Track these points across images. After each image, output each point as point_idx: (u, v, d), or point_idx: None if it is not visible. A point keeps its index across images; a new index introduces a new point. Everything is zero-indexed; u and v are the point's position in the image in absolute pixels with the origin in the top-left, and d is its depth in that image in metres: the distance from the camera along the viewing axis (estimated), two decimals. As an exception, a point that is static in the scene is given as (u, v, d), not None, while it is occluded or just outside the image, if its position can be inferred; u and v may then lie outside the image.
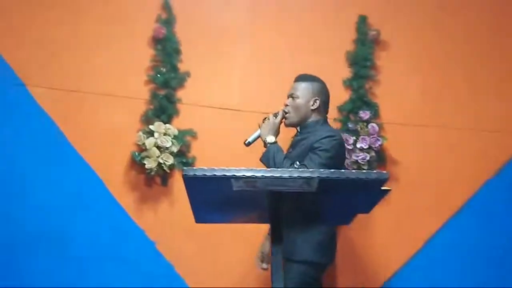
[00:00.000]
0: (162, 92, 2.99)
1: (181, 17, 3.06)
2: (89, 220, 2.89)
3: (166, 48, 3.00)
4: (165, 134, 2.89)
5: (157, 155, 2.86)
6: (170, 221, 2.95)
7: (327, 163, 2.25)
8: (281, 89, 3.06)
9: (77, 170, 2.92)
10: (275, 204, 1.50)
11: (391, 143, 3.02)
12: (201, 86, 3.05)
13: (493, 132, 3.08)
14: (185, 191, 2.81)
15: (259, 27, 3.15)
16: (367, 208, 1.61)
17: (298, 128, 2.50)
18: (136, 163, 2.92)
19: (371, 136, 2.92)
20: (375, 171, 1.31)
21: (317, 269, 2.37)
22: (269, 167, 2.29)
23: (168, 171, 2.89)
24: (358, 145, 2.93)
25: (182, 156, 2.94)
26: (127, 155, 2.93)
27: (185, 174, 1.32)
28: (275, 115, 2.46)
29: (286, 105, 2.48)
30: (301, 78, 2.52)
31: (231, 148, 2.83)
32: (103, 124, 2.95)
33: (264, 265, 2.58)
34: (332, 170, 1.30)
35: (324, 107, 2.49)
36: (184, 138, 2.94)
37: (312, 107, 2.45)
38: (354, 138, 2.94)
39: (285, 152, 2.41)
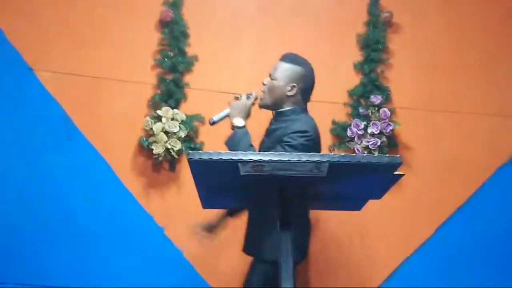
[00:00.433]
0: (170, 77, 2.94)
1: (189, 0, 3.01)
2: (97, 206, 2.87)
3: (173, 31, 2.95)
4: (172, 119, 2.85)
5: (165, 141, 2.82)
6: (178, 207, 2.92)
7: None
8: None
9: (85, 156, 2.89)
10: (283, 189, 1.46)
11: (403, 128, 2.96)
12: (209, 70, 3.01)
13: (506, 117, 3.01)
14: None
15: (268, 10, 3.09)
16: (379, 193, 1.56)
17: (274, 113, 2.31)
18: (144, 149, 2.89)
19: (383, 121, 2.86)
20: (387, 155, 1.25)
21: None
22: None
23: (176, 156, 2.85)
24: (369, 130, 2.88)
25: (190, 141, 2.91)
26: (135, 141, 2.90)
27: (190, 158, 1.28)
28: (248, 96, 2.26)
29: (264, 84, 2.29)
30: (285, 58, 2.29)
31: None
32: (110, 109, 2.92)
33: (204, 233, 2.47)
34: (343, 154, 1.25)
35: (303, 95, 2.26)
36: (192, 123, 2.90)
37: (288, 93, 2.23)
38: (365, 123, 2.89)
39: (260, 139, 2.29)
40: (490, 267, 2.93)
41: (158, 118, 2.84)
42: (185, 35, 2.98)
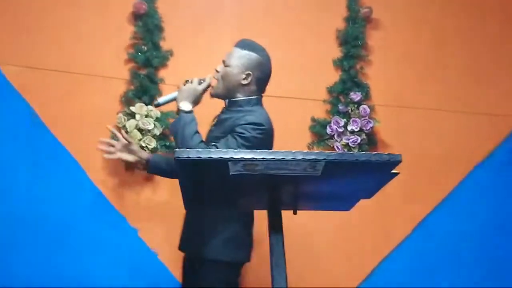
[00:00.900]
0: (143, 72, 2.82)
1: (164, -8, 2.90)
2: (67, 207, 2.72)
3: (147, 24, 2.83)
4: (147, 116, 2.74)
5: (139, 138, 2.71)
6: (152, 207, 2.81)
7: None
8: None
9: (53, 154, 2.74)
10: (274, 189, 1.38)
11: (382, 126, 2.93)
12: (185, 65, 2.89)
13: (485, 115, 3.02)
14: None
15: (246, 4, 3.01)
16: (370, 193, 1.50)
17: (226, 103, 2.17)
18: (117, 147, 2.76)
19: (363, 119, 2.82)
20: (386, 153, 1.19)
21: (232, 268, 2.11)
22: (176, 139, 2.03)
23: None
24: (349, 128, 2.83)
25: (165, 139, 2.79)
26: (107, 138, 2.77)
27: (178, 157, 1.19)
28: (201, 81, 2.12)
29: (217, 71, 2.15)
30: (240, 44, 2.15)
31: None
32: (80, 105, 2.78)
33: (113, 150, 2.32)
34: (341, 152, 1.18)
35: (258, 84, 2.13)
36: (167, 120, 2.78)
37: (243, 82, 2.09)
38: (345, 120, 2.84)
39: (207, 128, 2.18)
40: (468, 265, 2.93)
41: (132, 115, 2.72)
42: (159, 28, 2.86)
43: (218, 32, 2.95)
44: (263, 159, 1.19)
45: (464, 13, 3.09)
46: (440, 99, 3.03)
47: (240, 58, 2.11)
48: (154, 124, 2.73)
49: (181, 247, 2.26)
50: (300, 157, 1.18)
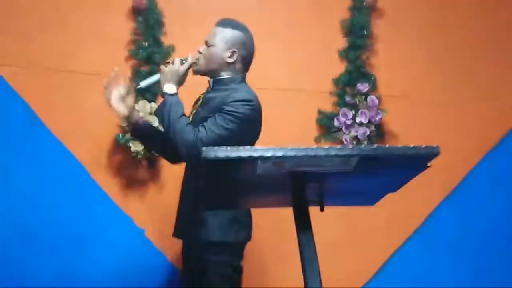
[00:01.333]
0: (145, 68, 2.75)
1: (164, -14, 2.82)
2: (70, 210, 2.66)
3: (148, 20, 2.75)
4: (150, 113, 2.67)
5: (144, 137, 2.64)
6: (159, 207, 2.75)
7: (233, 130, 1.92)
8: (271, 63, 2.90)
9: (54, 156, 2.67)
10: (301, 186, 1.33)
11: (389, 117, 2.89)
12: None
13: (493, 103, 2.98)
14: (174, 173, 2.71)
15: (247, -3, 2.95)
16: (397, 187, 1.46)
17: (211, 83, 2.13)
18: (121, 146, 2.69)
19: (371, 110, 2.78)
20: (423, 146, 1.15)
21: (235, 249, 2.06)
22: (163, 124, 2.00)
23: (156, 154, 2.68)
24: (357, 120, 2.79)
25: (170, 137, 2.73)
26: (110, 138, 2.70)
27: (205, 156, 1.13)
28: (183, 60, 2.07)
29: (200, 52, 2.11)
30: (222, 23, 2.12)
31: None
32: (81, 104, 2.70)
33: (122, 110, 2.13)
34: (375, 146, 1.14)
35: (244, 63, 2.11)
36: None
37: (229, 60, 2.06)
38: (353, 112, 2.79)
39: (192, 110, 2.13)
40: (478, 260, 2.90)
41: (135, 113, 2.66)
42: (160, 23, 2.79)
43: (220, 25, 2.88)
44: (295, 156, 1.14)
45: (473, 3, 3.04)
46: (447, 88, 2.99)
47: (224, 36, 2.08)
48: (158, 121, 2.66)
49: (178, 234, 2.18)
50: (333, 153, 1.13)
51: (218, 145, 1.22)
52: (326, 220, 2.68)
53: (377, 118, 2.78)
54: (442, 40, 3.01)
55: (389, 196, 2.64)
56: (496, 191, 2.96)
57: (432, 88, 2.98)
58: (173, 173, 2.75)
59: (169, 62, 2.07)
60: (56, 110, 2.69)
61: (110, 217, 2.71)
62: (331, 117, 2.85)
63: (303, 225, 1.31)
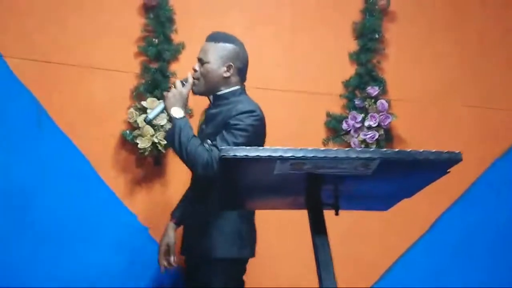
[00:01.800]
0: (155, 65, 2.73)
1: (175, -18, 2.80)
2: (75, 205, 2.63)
3: (158, 16, 2.73)
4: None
5: (151, 134, 2.62)
6: (164, 205, 2.72)
7: (243, 143, 1.92)
8: (281, 63, 2.89)
9: (60, 151, 2.64)
10: (316, 188, 1.31)
11: (399, 121, 2.87)
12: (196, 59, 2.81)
13: (504, 110, 2.97)
14: (180, 171, 2.69)
15: (259, -4, 2.93)
16: (413, 192, 1.44)
17: (211, 99, 2.14)
18: (127, 143, 2.67)
19: (380, 114, 2.76)
20: (446, 151, 1.13)
21: (237, 265, 2.08)
22: (173, 147, 2.01)
23: (163, 151, 2.66)
24: (366, 123, 2.77)
25: (178, 135, 2.71)
26: (117, 134, 2.68)
27: (223, 155, 1.11)
28: (183, 82, 2.07)
29: (195, 70, 2.11)
30: (213, 37, 2.12)
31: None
32: (90, 100, 2.68)
33: (174, 258, 2.25)
34: (397, 150, 1.11)
35: (240, 74, 2.11)
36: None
37: (225, 74, 2.07)
38: (363, 115, 2.77)
39: (196, 128, 2.14)
40: (485, 264, 2.88)
41: (143, 110, 2.63)
42: (171, 20, 2.76)
43: (230, 24, 2.85)
44: (314, 157, 1.12)
45: (487, 4, 3.02)
46: (457, 93, 2.97)
47: (218, 52, 2.09)
48: (166, 119, 2.64)
49: (184, 251, 2.22)
50: (354, 155, 1.11)
51: None
52: (333, 221, 2.69)
53: (387, 122, 2.76)
54: (454, 45, 2.99)
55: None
56: (504, 197, 2.94)
57: (442, 93, 2.96)
58: (178, 171, 2.73)
59: (171, 86, 2.10)
60: (64, 105, 2.66)
61: (114, 214, 2.69)
62: (339, 119, 2.83)
63: (318, 228, 1.29)
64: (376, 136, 2.74)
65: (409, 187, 1.37)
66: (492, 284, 2.82)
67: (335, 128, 2.85)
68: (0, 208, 2.54)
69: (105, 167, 2.69)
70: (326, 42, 2.91)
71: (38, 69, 2.64)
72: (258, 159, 1.11)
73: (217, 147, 1.92)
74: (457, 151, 1.16)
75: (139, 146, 2.61)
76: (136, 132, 2.63)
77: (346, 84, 2.87)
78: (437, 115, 2.95)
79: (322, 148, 1.12)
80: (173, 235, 2.29)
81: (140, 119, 2.62)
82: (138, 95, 2.70)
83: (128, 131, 2.65)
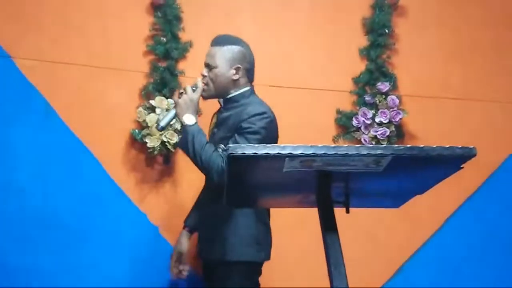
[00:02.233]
0: (163, 64, 2.72)
1: (183, -20, 2.79)
2: (85, 204, 2.63)
3: (166, 15, 2.72)
4: (167, 109, 2.63)
5: (160, 133, 2.61)
6: (174, 204, 2.72)
7: None
8: (291, 61, 2.86)
9: (71, 151, 2.64)
10: (326, 186, 1.29)
11: (409, 117, 2.83)
12: (204, 57, 2.77)
13: (516, 104, 2.93)
14: (189, 170, 2.67)
15: (267, -7, 2.90)
16: (425, 188, 1.41)
17: (221, 102, 2.15)
18: (136, 142, 2.67)
19: (391, 110, 2.72)
20: (459, 146, 1.10)
21: (253, 268, 2.09)
22: (187, 154, 2.02)
23: (172, 150, 2.65)
24: (377, 119, 2.73)
25: (187, 134, 2.70)
26: (126, 134, 2.67)
27: (231, 153, 1.09)
28: (193, 87, 2.07)
29: (204, 76, 2.12)
30: (218, 41, 2.12)
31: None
32: (98, 99, 2.67)
33: (186, 268, 2.29)
34: (409, 145, 1.09)
35: (248, 75, 2.12)
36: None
37: (234, 77, 2.08)
38: (373, 112, 2.74)
39: (208, 132, 2.14)
40: (498, 264, 2.84)
41: (152, 109, 2.62)
42: (178, 19, 2.75)
43: (238, 21, 2.85)
44: (324, 154, 1.10)
45: (498, 1, 2.98)
46: (469, 88, 2.92)
47: (224, 55, 2.09)
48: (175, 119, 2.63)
49: (200, 255, 2.23)
50: (364, 152, 1.09)
51: None
52: (343, 219, 2.67)
53: (397, 119, 2.72)
54: (465, 40, 2.94)
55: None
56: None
57: (454, 88, 2.92)
58: (188, 170, 2.71)
59: (181, 92, 2.08)
60: (73, 104, 2.66)
61: (124, 213, 2.68)
62: (350, 116, 2.80)
63: (329, 226, 1.27)
64: (387, 133, 2.71)
65: (421, 184, 1.34)
66: (508, 284, 2.77)
67: (345, 125, 2.82)
68: (7, 207, 2.54)
69: (114, 166, 2.68)
70: (336, 38, 2.88)
71: (46, 69, 2.63)
72: (267, 156, 1.09)
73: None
74: (471, 146, 1.13)
75: (148, 145, 2.61)
76: (145, 131, 2.62)
77: (356, 80, 2.84)
78: (449, 110, 2.91)
79: (333, 145, 1.10)
80: (187, 243, 2.32)
81: (149, 118, 2.62)
82: (147, 94, 2.69)
83: (137, 130, 2.65)
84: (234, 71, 2.08)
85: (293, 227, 2.64)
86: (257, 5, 2.89)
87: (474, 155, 1.12)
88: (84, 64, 2.67)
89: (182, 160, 2.73)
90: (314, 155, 1.10)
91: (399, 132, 2.81)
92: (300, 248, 2.70)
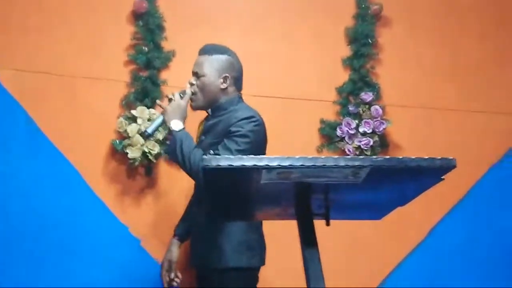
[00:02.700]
0: (145, 74, 2.69)
1: (165, -11, 2.77)
2: (64, 217, 2.57)
3: (148, 24, 2.69)
4: (149, 119, 2.59)
5: (141, 144, 2.57)
6: (156, 216, 2.68)
7: (246, 149, 1.92)
8: (273, 71, 2.85)
9: (50, 162, 2.59)
10: (305, 198, 1.26)
11: (393, 127, 2.82)
12: (187, 66, 2.72)
13: (499, 114, 2.92)
14: (172, 181, 2.64)
15: (251, 1, 2.88)
16: (407, 200, 1.39)
17: (209, 111, 2.15)
18: (117, 153, 2.62)
19: (375, 120, 2.71)
20: (439, 158, 1.08)
21: (249, 274, 2.07)
22: (176, 160, 1.99)
23: (154, 161, 2.61)
24: (360, 130, 2.72)
25: (169, 144, 2.66)
26: (107, 144, 2.63)
27: (206, 165, 1.06)
28: (181, 94, 2.07)
29: (192, 84, 2.12)
30: (206, 50, 2.13)
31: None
32: (78, 109, 2.63)
33: (177, 276, 2.25)
34: (388, 157, 1.07)
35: (236, 84, 2.13)
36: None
37: (222, 86, 2.08)
38: (357, 122, 2.73)
39: (195, 139, 2.12)
40: (483, 269, 2.83)
41: (133, 119, 2.58)
42: (161, 28, 2.72)
43: (221, 31, 2.82)
44: (302, 166, 1.07)
45: (480, 11, 2.99)
46: (452, 98, 2.93)
47: (212, 64, 2.10)
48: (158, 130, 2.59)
49: (193, 263, 2.19)
50: (342, 163, 1.07)
51: None
52: (328, 231, 2.65)
53: (381, 128, 2.72)
54: (449, 50, 2.95)
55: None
56: (501, 204, 2.89)
57: (437, 97, 2.92)
58: (170, 181, 2.68)
59: (170, 98, 2.08)
60: (53, 115, 2.62)
61: (105, 226, 2.63)
62: (334, 126, 2.79)
63: (308, 240, 1.24)
64: (371, 143, 2.70)
65: (403, 195, 1.32)
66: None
67: (329, 135, 2.80)
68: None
69: (95, 177, 2.64)
70: (319, 48, 2.88)
71: (26, 79, 2.59)
72: (242, 168, 1.06)
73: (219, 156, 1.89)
74: (450, 158, 1.11)
75: (129, 156, 2.56)
76: (126, 141, 2.58)
77: (340, 90, 2.83)
78: (432, 120, 2.91)
79: (310, 157, 1.07)
80: (176, 251, 2.29)
81: (130, 128, 2.58)
82: (128, 104, 2.65)
83: (117, 141, 2.61)
84: (222, 80, 2.09)
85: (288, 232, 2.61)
86: (241, 15, 2.87)
87: (454, 166, 1.10)
88: (63, 74, 2.63)
89: (164, 171, 2.70)
90: (291, 167, 1.07)
91: (383, 142, 2.80)
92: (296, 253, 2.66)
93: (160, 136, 2.60)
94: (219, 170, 1.07)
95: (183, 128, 2.02)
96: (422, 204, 2.76)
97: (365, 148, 2.70)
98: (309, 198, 1.26)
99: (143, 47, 2.69)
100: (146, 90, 2.67)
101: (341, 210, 1.42)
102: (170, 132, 2.03)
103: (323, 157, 1.03)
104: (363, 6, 2.85)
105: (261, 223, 2.11)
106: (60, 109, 2.62)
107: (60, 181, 2.60)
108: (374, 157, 1.06)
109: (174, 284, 2.29)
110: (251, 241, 2.04)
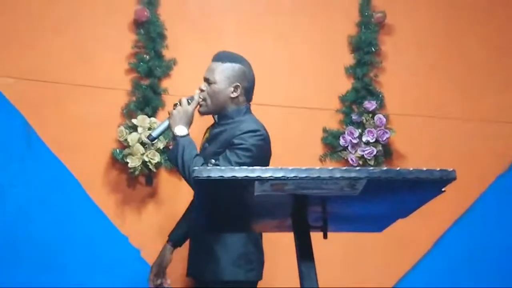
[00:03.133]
0: (146, 82, 2.67)
1: (166, -2, 2.75)
2: (64, 227, 2.56)
3: (149, 32, 2.68)
4: (149, 128, 2.57)
5: (142, 153, 2.54)
6: (156, 226, 2.64)
7: (246, 163, 1.89)
8: (276, 79, 2.82)
9: (49, 171, 2.58)
10: (301, 210, 1.22)
11: (397, 136, 2.78)
12: (188, 75, 2.72)
13: (506, 123, 2.88)
14: (172, 190, 2.61)
15: (252, 10, 2.86)
16: (408, 212, 1.34)
17: (216, 118, 2.12)
18: (118, 162, 2.60)
19: (378, 129, 2.67)
20: (438, 169, 1.04)
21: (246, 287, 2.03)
22: (177, 166, 1.96)
23: (154, 170, 2.58)
24: (364, 139, 2.68)
25: (170, 153, 2.63)
26: (107, 153, 2.61)
27: (197, 176, 1.03)
28: (189, 100, 2.05)
29: (201, 90, 2.08)
30: (219, 57, 2.09)
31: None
32: (79, 118, 2.62)
33: (159, 281, 2.20)
34: (385, 168, 1.03)
35: (247, 94, 2.10)
36: (171, 133, 2.62)
37: (232, 95, 2.05)
38: (360, 131, 2.69)
39: (199, 146, 2.09)
40: (490, 285, 2.77)
41: (134, 128, 2.57)
42: (162, 36, 2.71)
43: (223, 39, 2.80)
44: (295, 178, 1.03)
45: (483, 18, 2.95)
46: (457, 106, 2.89)
47: (224, 72, 2.06)
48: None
49: (190, 273, 2.14)
50: (338, 175, 1.03)
51: None
52: (329, 244, 2.60)
53: (385, 138, 2.67)
54: (453, 58, 2.92)
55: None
56: (509, 213, 2.84)
57: (441, 106, 2.88)
58: (171, 191, 2.66)
59: (176, 104, 2.05)
60: (53, 123, 2.61)
61: (105, 236, 2.61)
62: (336, 135, 2.76)
63: (305, 254, 1.20)
64: (374, 152, 2.66)
65: (403, 208, 1.28)
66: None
67: (332, 144, 2.77)
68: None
69: (95, 187, 2.62)
70: (322, 56, 2.85)
71: (26, 87, 2.59)
72: (234, 180, 1.03)
73: (218, 166, 1.87)
74: (450, 169, 1.07)
75: (129, 165, 2.54)
76: (127, 150, 2.56)
77: (343, 98, 2.80)
78: (437, 129, 2.86)
79: (304, 168, 1.04)
80: (168, 257, 2.24)
81: (130, 137, 2.56)
82: (129, 112, 2.64)
83: (118, 150, 2.58)
84: (233, 89, 2.05)
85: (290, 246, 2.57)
86: (243, 24, 2.85)
87: (454, 178, 1.06)
88: (64, 82, 2.62)
89: (165, 181, 2.67)
90: (285, 179, 1.04)
91: (387, 151, 2.76)
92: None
93: (160, 145, 2.58)
94: (210, 181, 1.04)
95: (187, 135, 1.99)
96: (427, 214, 2.71)
97: (369, 158, 2.66)
98: (306, 210, 1.22)
99: (144, 56, 2.68)
100: (147, 99, 2.65)
101: (340, 223, 1.38)
102: (174, 137, 2.01)
103: (317, 168, 0.99)
104: (366, 14, 2.82)
105: (260, 236, 2.08)
106: (60, 117, 2.61)
107: (60, 190, 2.59)
108: (371, 168, 1.03)
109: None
110: (250, 254, 2.01)
